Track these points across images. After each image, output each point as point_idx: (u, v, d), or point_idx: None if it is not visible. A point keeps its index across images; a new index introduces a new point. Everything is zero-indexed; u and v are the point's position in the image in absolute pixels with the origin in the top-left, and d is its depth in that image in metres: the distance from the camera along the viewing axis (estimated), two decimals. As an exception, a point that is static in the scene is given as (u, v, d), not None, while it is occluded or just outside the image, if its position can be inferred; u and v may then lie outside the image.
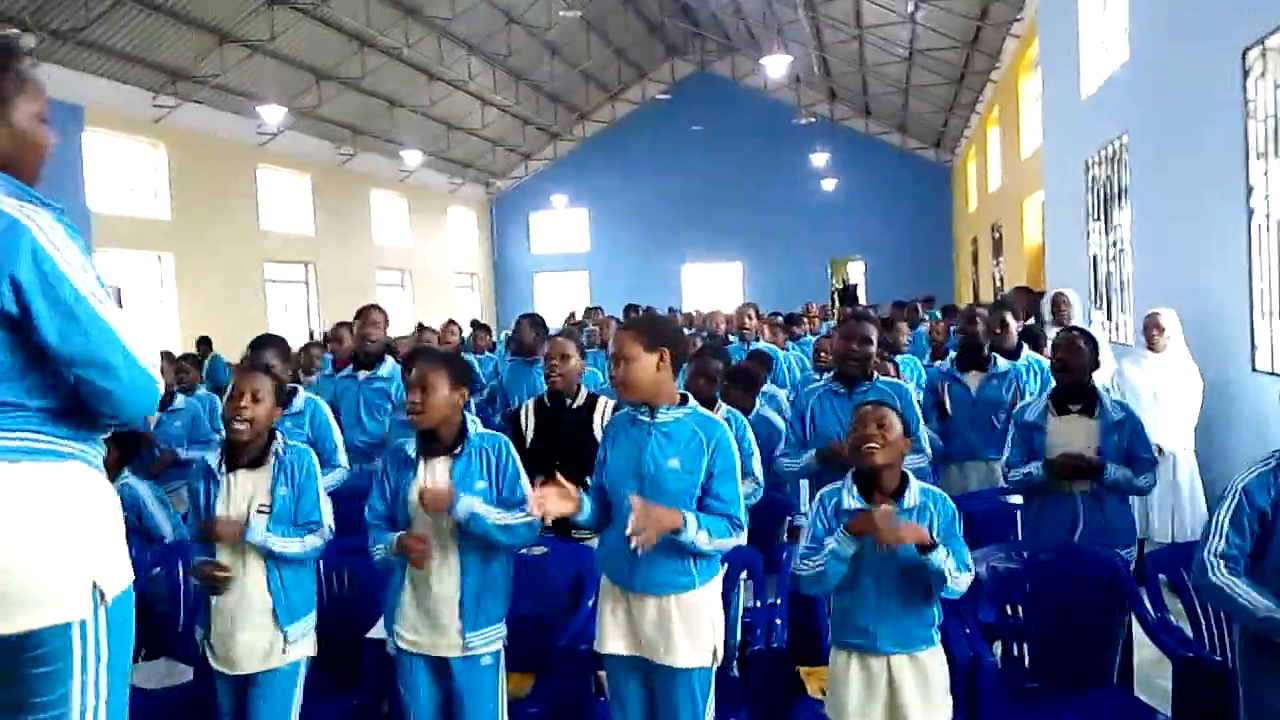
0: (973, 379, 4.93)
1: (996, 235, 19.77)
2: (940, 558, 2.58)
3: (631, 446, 2.77)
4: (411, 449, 2.95)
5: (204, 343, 13.26)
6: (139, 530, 3.88)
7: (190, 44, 16.56)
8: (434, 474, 2.89)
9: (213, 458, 3.11)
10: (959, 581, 2.62)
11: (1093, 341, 3.88)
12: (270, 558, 2.96)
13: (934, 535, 2.62)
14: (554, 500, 2.60)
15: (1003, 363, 4.95)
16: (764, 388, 5.21)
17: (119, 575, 1.82)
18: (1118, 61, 9.52)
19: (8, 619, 1.69)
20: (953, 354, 5.13)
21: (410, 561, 2.85)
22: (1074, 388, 3.84)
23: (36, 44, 13.30)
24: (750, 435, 3.98)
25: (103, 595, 1.76)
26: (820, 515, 2.80)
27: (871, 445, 2.72)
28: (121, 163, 17.04)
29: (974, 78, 20.18)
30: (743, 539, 2.79)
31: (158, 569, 3.68)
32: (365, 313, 5.31)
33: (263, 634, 2.95)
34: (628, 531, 2.50)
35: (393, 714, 3.45)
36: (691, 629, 2.70)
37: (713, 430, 2.74)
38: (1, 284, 1.67)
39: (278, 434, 3.13)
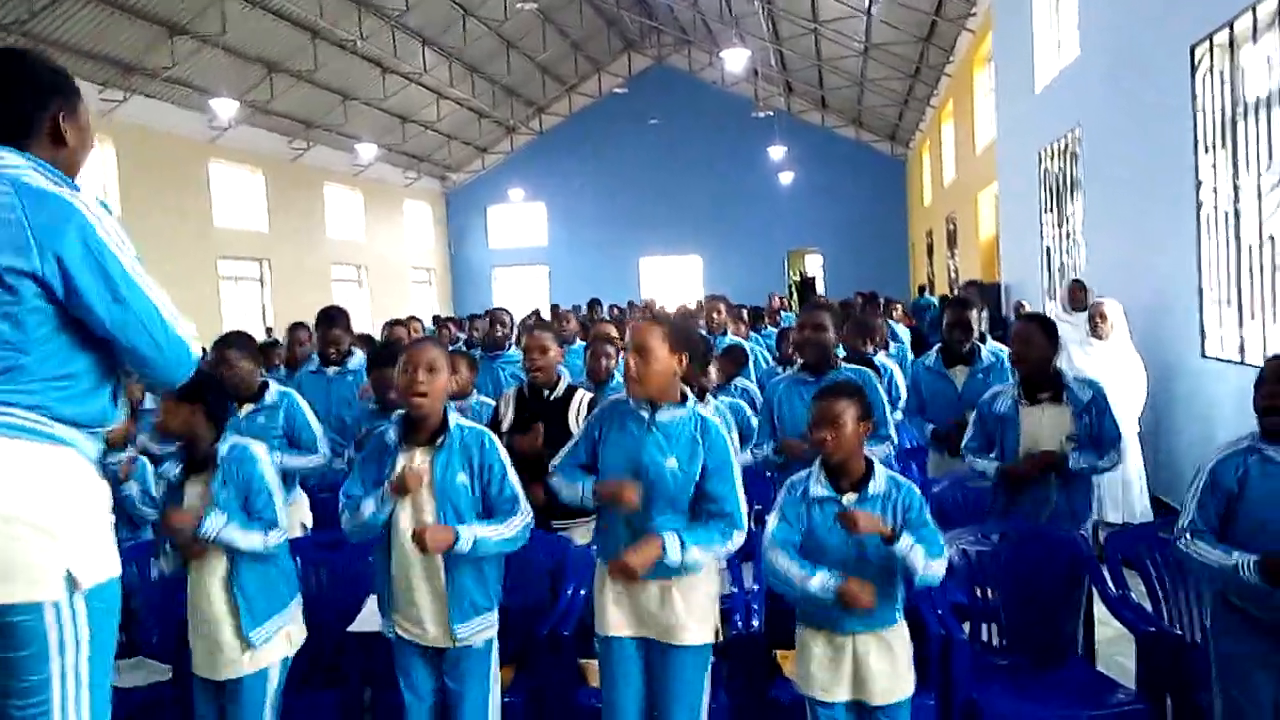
0: (959, 374, 4.91)
1: (951, 227, 20.07)
2: (905, 548, 2.64)
3: (630, 442, 2.81)
4: (392, 436, 2.90)
5: None
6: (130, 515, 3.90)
7: (139, 36, 16.22)
8: (414, 462, 2.85)
9: (173, 469, 3.08)
10: (931, 569, 2.67)
11: (1051, 328, 3.96)
12: (232, 556, 2.94)
13: (894, 527, 2.67)
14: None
15: (987, 357, 4.94)
16: (736, 381, 5.28)
17: (99, 565, 1.85)
18: (1070, 56, 9.74)
19: None
20: (936, 349, 5.11)
21: (395, 491, 2.78)
22: (1037, 376, 3.92)
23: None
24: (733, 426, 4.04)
25: (75, 581, 1.79)
26: (789, 500, 2.84)
27: (830, 445, 2.76)
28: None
29: (928, 72, 20.46)
30: (742, 538, 2.79)
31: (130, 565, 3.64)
32: (329, 323, 5.21)
33: (226, 641, 2.93)
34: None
35: (375, 707, 3.47)
36: (693, 608, 2.78)
37: (708, 429, 2.80)
38: (47, 257, 1.77)
39: (226, 434, 3.08)
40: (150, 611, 3.63)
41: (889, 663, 2.74)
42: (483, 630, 2.90)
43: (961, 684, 3.11)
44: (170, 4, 15.88)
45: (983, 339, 5.06)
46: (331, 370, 5.16)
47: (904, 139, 27.61)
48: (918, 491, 2.85)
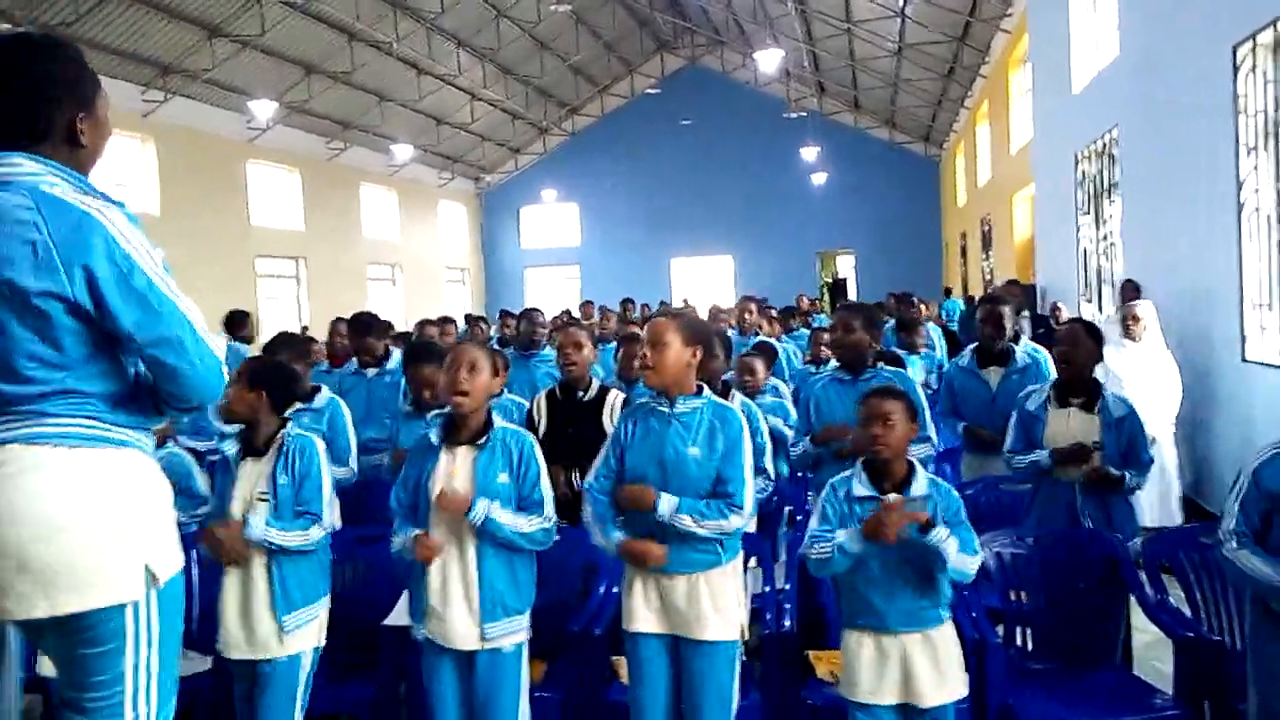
0: (993, 375, 4.83)
1: (986, 229, 19.89)
2: (940, 537, 2.65)
3: (652, 435, 2.87)
4: (435, 436, 2.95)
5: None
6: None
7: (180, 38, 16.48)
8: (456, 462, 2.90)
9: (230, 448, 3.15)
10: (965, 564, 2.68)
11: (1096, 334, 3.92)
12: (273, 552, 3.00)
13: (934, 518, 2.69)
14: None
15: (1023, 358, 4.84)
16: (769, 381, 5.27)
17: (170, 559, 1.88)
18: (1108, 57, 9.62)
19: (64, 600, 1.75)
20: (971, 349, 5.05)
21: (417, 556, 2.87)
22: (1076, 381, 3.88)
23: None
24: (764, 428, 4.04)
25: (154, 578, 1.82)
26: (831, 499, 2.87)
27: (881, 443, 2.79)
28: (110, 156, 16.94)
29: (963, 72, 20.29)
30: (742, 521, 2.84)
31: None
32: (363, 331, 5.26)
33: (261, 623, 2.98)
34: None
35: (409, 701, 3.50)
36: (720, 604, 2.81)
37: (724, 414, 2.88)
38: (74, 274, 1.74)
39: (289, 423, 3.17)
40: (191, 604, 3.70)
41: (936, 664, 2.74)
42: (513, 633, 2.91)
43: (996, 689, 3.08)
44: (210, 6, 16.12)
45: (1015, 339, 4.98)
46: (371, 371, 5.25)
47: (938, 140, 27.39)
48: (956, 494, 2.86)
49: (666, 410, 2.88)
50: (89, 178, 1.89)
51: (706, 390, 2.94)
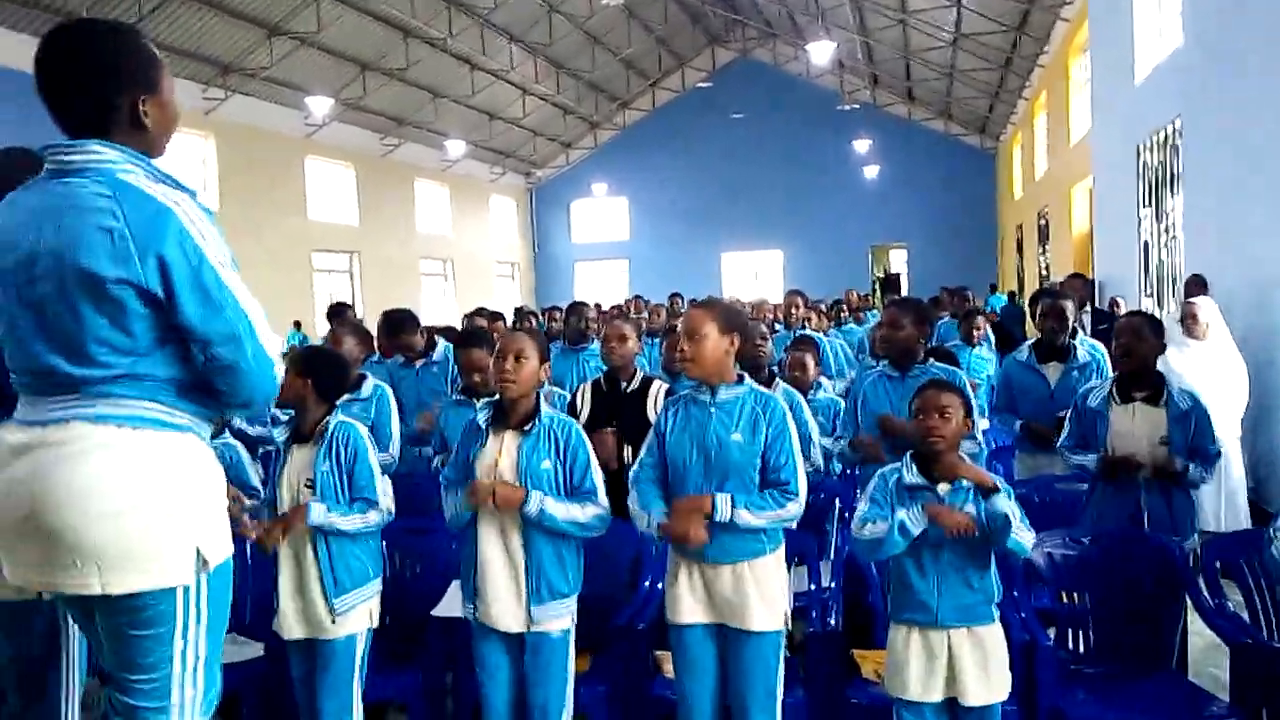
0: (1052, 371, 4.70)
1: (1043, 222, 19.52)
2: (1002, 501, 2.65)
3: (694, 425, 2.88)
4: (483, 420, 3.00)
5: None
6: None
7: (239, 37, 16.84)
8: (503, 447, 2.94)
9: (281, 435, 3.23)
10: (1025, 537, 2.67)
11: (1158, 326, 3.82)
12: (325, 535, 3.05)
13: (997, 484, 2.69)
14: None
15: (1083, 354, 4.72)
16: (814, 377, 5.23)
17: (221, 544, 1.92)
18: (1172, 45, 9.37)
19: (117, 580, 1.79)
20: (1029, 344, 4.94)
21: (470, 501, 2.89)
22: (1138, 375, 3.80)
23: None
24: (809, 417, 4.02)
25: (205, 562, 1.86)
26: (880, 487, 2.86)
27: (936, 434, 2.77)
28: (172, 154, 17.34)
29: (1021, 62, 19.92)
30: (799, 508, 2.83)
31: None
32: (398, 328, 5.25)
33: (316, 604, 3.04)
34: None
35: (456, 690, 3.55)
36: (765, 593, 2.81)
37: (768, 402, 2.88)
38: (148, 262, 1.78)
39: (335, 411, 3.22)
40: (244, 590, 3.78)
41: (983, 662, 2.71)
42: (560, 617, 2.94)
43: (1046, 691, 3.03)
44: (269, 5, 16.43)
45: (1073, 334, 4.86)
46: (419, 363, 5.30)
47: (994, 131, 26.92)
48: (1006, 485, 2.82)
49: (708, 399, 2.89)
50: (159, 163, 1.92)
51: (748, 379, 2.95)
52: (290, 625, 3.08)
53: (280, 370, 1.96)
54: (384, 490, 3.18)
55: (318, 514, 3.00)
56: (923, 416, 2.80)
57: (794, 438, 2.87)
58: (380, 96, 20.92)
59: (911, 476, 2.81)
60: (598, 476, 2.97)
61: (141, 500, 1.79)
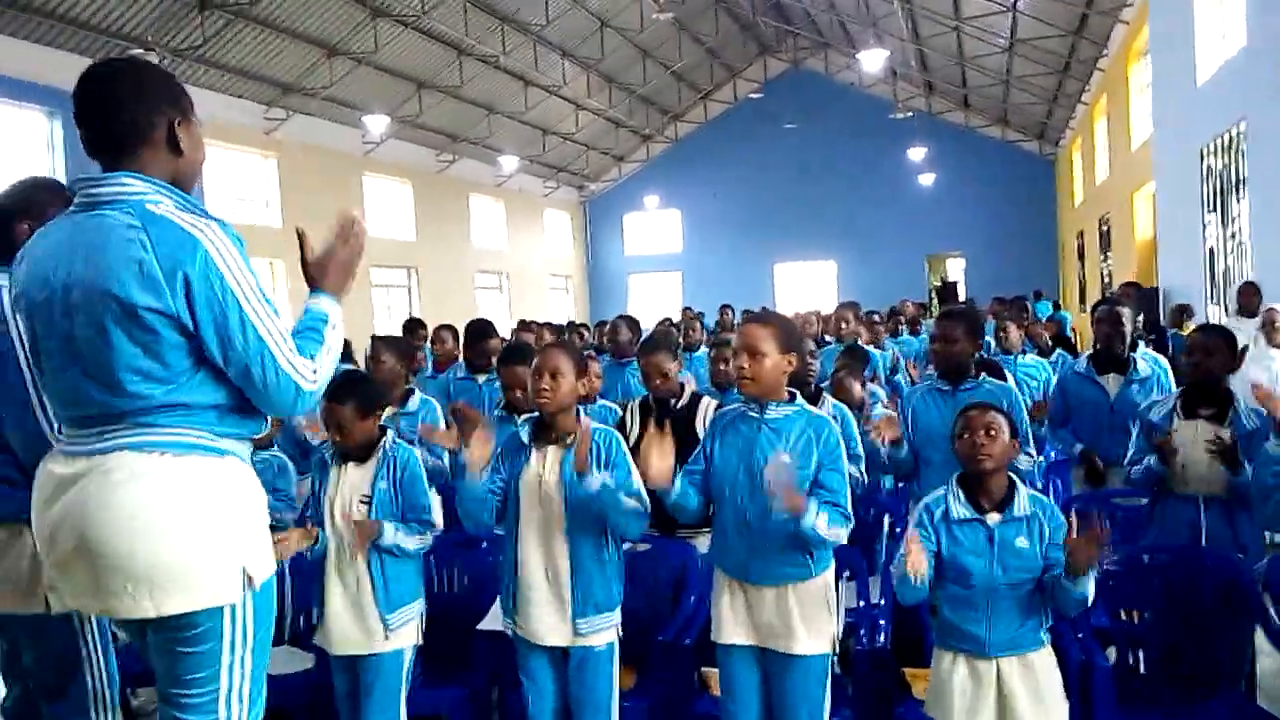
0: (1111, 383, 4.56)
1: (1104, 229, 19.10)
2: (1085, 585, 2.54)
3: (742, 442, 2.85)
4: (525, 435, 3.03)
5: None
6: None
7: (300, 58, 17.22)
8: (546, 461, 2.97)
9: (327, 450, 3.28)
10: (1090, 587, 2.56)
11: (1232, 341, 3.68)
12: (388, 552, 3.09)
13: (1042, 551, 2.61)
14: (655, 455, 2.70)
15: (1144, 367, 4.56)
16: (870, 387, 5.15)
17: (264, 562, 1.96)
18: (1235, 46, 9.12)
19: (167, 602, 1.84)
20: (1087, 355, 4.80)
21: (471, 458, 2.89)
22: (1206, 390, 3.67)
23: (159, 62, 14.04)
24: (856, 432, 3.97)
25: (251, 580, 1.90)
26: (925, 522, 2.76)
27: (983, 453, 2.69)
28: (235, 173, 17.82)
29: (1079, 66, 19.53)
30: (845, 535, 2.79)
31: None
32: (483, 337, 5.52)
33: (367, 619, 3.08)
34: (766, 474, 2.59)
35: (502, 705, 3.56)
36: (809, 617, 2.77)
37: (821, 426, 2.83)
38: (176, 290, 1.82)
39: (388, 431, 3.27)
40: (296, 602, 3.84)
41: (1035, 690, 2.63)
42: (604, 630, 2.95)
43: (1104, 714, 2.94)
44: (328, 26, 16.79)
45: (1134, 346, 4.72)
46: (481, 378, 5.39)
47: (1053, 137, 26.41)
48: (1060, 514, 2.73)
49: (756, 415, 2.85)
50: (190, 192, 1.97)
51: (800, 398, 2.92)
52: (339, 640, 3.11)
53: (306, 384, 1.96)
54: (436, 507, 3.23)
55: (390, 534, 3.06)
56: (968, 436, 2.72)
57: (845, 463, 2.83)
58: (436, 114, 21.23)
59: (960, 508, 2.72)
60: (640, 485, 2.94)
61: (187, 524, 1.84)
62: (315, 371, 1.98)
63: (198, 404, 1.90)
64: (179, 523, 1.83)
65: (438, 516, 3.25)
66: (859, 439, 3.99)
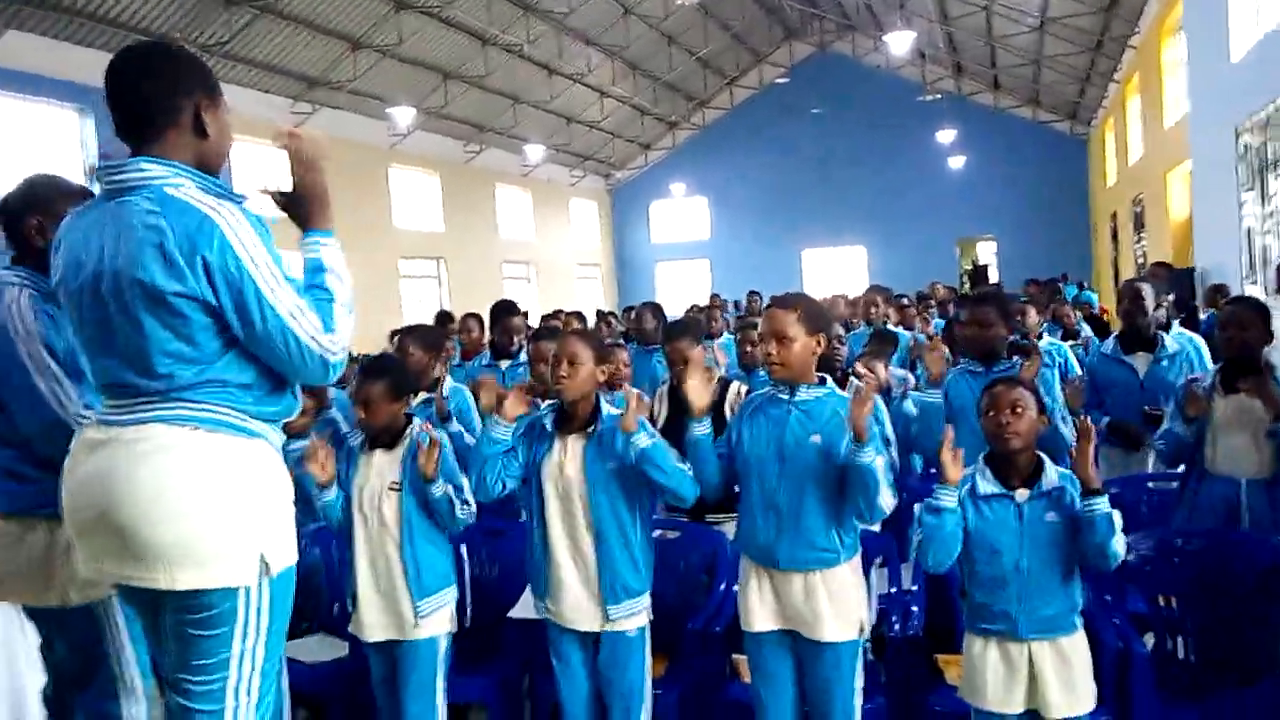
0: (1140, 361, 4.50)
1: (1138, 210, 18.79)
2: (1107, 505, 2.53)
3: (771, 425, 2.84)
4: (549, 423, 3.04)
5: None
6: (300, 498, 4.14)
7: (325, 52, 17.30)
8: (568, 449, 2.98)
9: (355, 439, 3.29)
10: (1119, 544, 2.55)
11: (1265, 313, 3.62)
12: (409, 528, 3.09)
13: (1070, 515, 2.58)
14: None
15: (1172, 344, 4.49)
16: (897, 372, 5.11)
17: (284, 551, 1.97)
18: (1272, 21, 8.93)
19: (181, 576, 1.85)
20: (1114, 336, 4.73)
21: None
22: (1244, 365, 3.60)
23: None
24: (888, 420, 3.94)
25: (268, 567, 1.91)
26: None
27: (1010, 431, 2.66)
28: (262, 168, 17.96)
29: (1111, 44, 19.20)
30: (889, 510, 2.77)
31: (315, 549, 3.87)
32: (507, 314, 5.57)
33: (399, 605, 3.08)
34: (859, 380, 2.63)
35: (533, 692, 3.58)
36: (838, 603, 2.76)
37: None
38: (197, 272, 1.83)
39: (414, 419, 3.27)
40: (331, 589, 3.87)
41: (1067, 675, 2.60)
42: (634, 615, 2.96)
43: (1142, 703, 2.90)
44: (352, 19, 16.85)
45: (1166, 327, 4.65)
46: (504, 364, 5.40)
47: (1085, 117, 25.99)
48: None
49: (786, 398, 2.84)
50: (216, 176, 1.99)
51: (830, 382, 2.90)
52: (371, 627, 3.12)
53: (332, 356, 1.97)
54: (470, 488, 3.22)
55: (440, 486, 3.04)
56: (994, 413, 2.69)
57: (880, 444, 2.78)
58: (461, 104, 21.27)
59: (987, 484, 2.70)
60: (675, 455, 2.95)
61: (207, 500, 1.85)
62: (336, 340, 1.98)
63: (233, 382, 1.91)
64: (200, 498, 1.84)
65: (473, 498, 3.23)
66: (890, 427, 3.95)
